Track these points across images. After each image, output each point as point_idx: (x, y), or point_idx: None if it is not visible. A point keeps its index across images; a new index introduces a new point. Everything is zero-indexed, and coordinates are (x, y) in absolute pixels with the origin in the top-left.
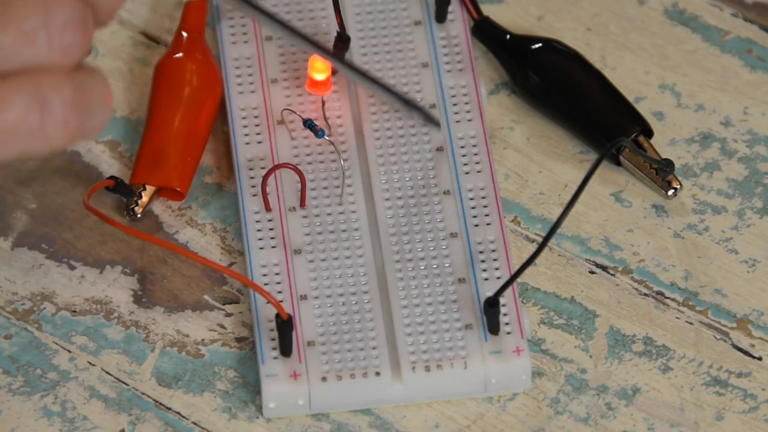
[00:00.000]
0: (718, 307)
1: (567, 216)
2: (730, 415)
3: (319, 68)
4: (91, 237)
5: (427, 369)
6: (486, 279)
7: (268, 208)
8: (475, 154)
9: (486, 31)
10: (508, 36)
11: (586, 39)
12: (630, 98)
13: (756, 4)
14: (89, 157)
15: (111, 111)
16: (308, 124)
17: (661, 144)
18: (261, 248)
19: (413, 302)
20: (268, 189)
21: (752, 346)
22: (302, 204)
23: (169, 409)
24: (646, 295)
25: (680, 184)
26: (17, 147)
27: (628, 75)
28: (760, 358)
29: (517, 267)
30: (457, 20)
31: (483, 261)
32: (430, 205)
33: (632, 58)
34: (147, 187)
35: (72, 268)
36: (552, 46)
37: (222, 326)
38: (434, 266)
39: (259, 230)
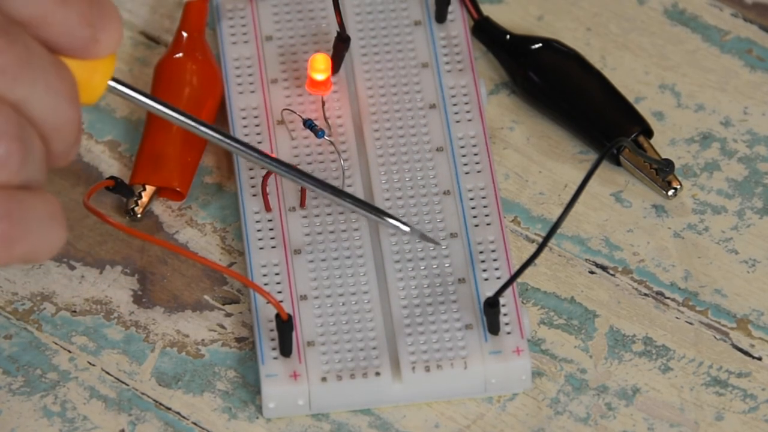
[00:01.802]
0: (718, 307)
1: (567, 216)
2: (730, 415)
3: (319, 68)
4: (91, 237)
5: (427, 369)
6: (486, 279)
7: (268, 208)
8: (475, 154)
9: (486, 31)
10: (508, 36)
11: (586, 39)
12: (630, 98)
13: (756, 4)
14: (89, 157)
15: (60, 236)
16: (308, 124)
17: (661, 144)
18: (261, 248)
19: (413, 302)
20: (268, 189)
21: (752, 346)
22: (302, 204)
23: (169, 409)
24: (646, 295)
25: (680, 184)
26: None
27: (628, 75)
28: (760, 358)
29: (517, 267)
30: (457, 20)
31: (483, 261)
32: (430, 205)
33: (632, 58)
34: (147, 187)
35: (72, 268)
36: (552, 46)
37: (222, 326)
38: (434, 266)
39: (259, 230)
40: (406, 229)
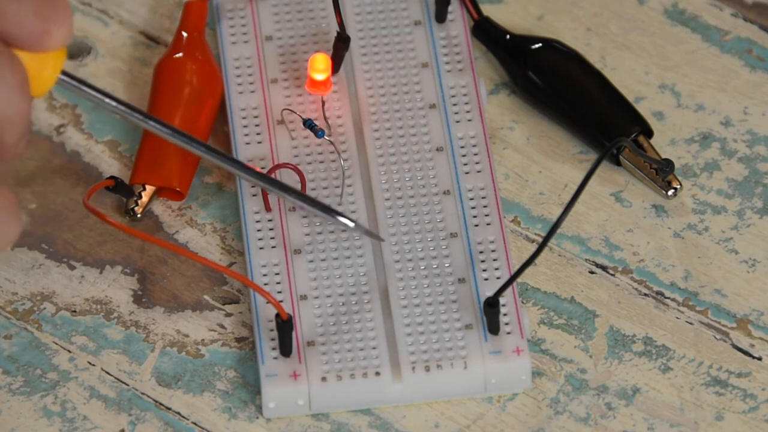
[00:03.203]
0: (718, 307)
1: (567, 216)
2: (730, 415)
3: (319, 68)
4: (91, 237)
5: (427, 369)
6: (486, 279)
7: (268, 208)
8: (475, 154)
9: (486, 31)
10: (508, 36)
11: (586, 39)
12: (630, 98)
13: (756, 4)
14: (89, 157)
15: (15, 229)
16: (308, 124)
17: (661, 144)
18: (261, 248)
19: (413, 302)
20: None
21: (752, 346)
22: None
23: (169, 409)
24: (646, 295)
25: (680, 184)
26: None
27: (628, 75)
28: (760, 358)
29: (517, 267)
30: (457, 20)
31: (483, 261)
32: (430, 205)
33: (632, 58)
34: (147, 187)
35: (72, 268)
36: (552, 46)
37: (222, 326)
38: (434, 266)
39: (259, 230)
40: (351, 224)
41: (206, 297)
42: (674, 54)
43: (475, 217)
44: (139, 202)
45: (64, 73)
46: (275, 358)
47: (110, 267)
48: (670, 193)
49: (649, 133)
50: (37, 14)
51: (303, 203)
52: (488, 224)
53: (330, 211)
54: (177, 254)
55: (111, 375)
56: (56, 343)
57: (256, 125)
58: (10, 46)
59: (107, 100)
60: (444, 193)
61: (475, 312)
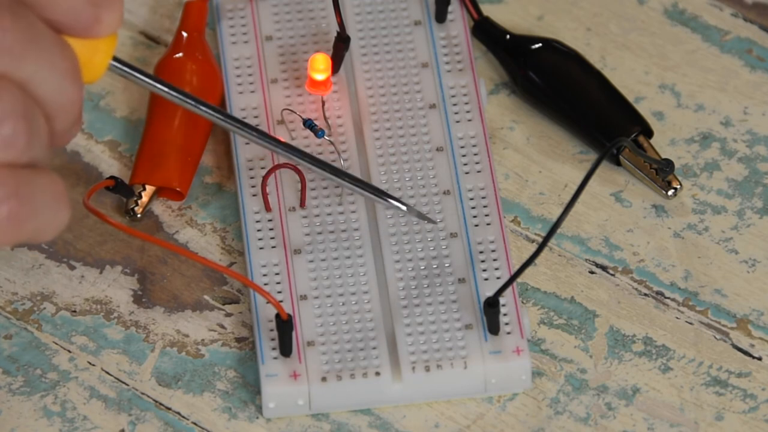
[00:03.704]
0: (718, 307)
1: (567, 216)
2: (730, 415)
3: (319, 68)
4: (91, 237)
5: (427, 369)
6: (486, 279)
7: (268, 208)
8: (475, 154)
9: (486, 31)
10: (508, 36)
11: (586, 39)
12: (630, 98)
13: (756, 4)
14: (89, 157)
15: (65, 214)
16: (308, 124)
17: (661, 144)
18: (261, 248)
19: (413, 302)
20: (268, 189)
21: (752, 346)
22: (302, 204)
23: (169, 409)
24: (646, 295)
25: (680, 184)
26: None
27: (628, 75)
28: (760, 358)
29: (517, 267)
30: (457, 20)
31: (483, 261)
32: (430, 205)
33: (632, 58)
34: (147, 187)
35: (72, 268)
36: (552, 46)
37: (222, 326)
38: (434, 266)
39: (259, 230)
40: (404, 208)
41: (206, 297)
42: (674, 54)
43: (475, 217)
44: (139, 202)
45: (115, 59)
46: (275, 358)
47: (110, 267)
48: (670, 193)
49: (649, 133)
50: (88, 1)
51: (354, 186)
52: (488, 224)
53: (382, 195)
54: (177, 254)
55: (111, 375)
56: (56, 343)
57: (256, 125)
58: (62, 33)
59: (159, 85)
60: (444, 193)
61: (475, 312)
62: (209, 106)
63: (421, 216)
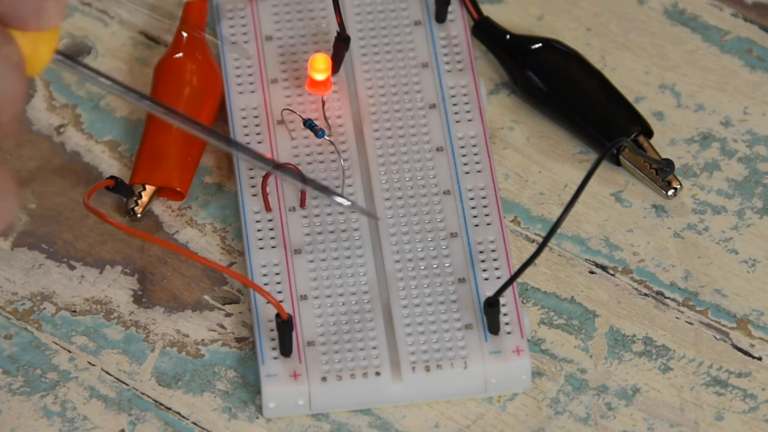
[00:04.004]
0: (718, 307)
1: (567, 216)
2: (730, 415)
3: (319, 68)
4: (91, 237)
5: (427, 369)
6: (486, 279)
7: (268, 208)
8: (475, 154)
9: (486, 31)
10: (508, 36)
11: (586, 39)
12: (630, 98)
13: (756, 4)
14: (89, 157)
15: (15, 208)
16: (308, 124)
17: (661, 144)
18: (261, 248)
19: (413, 302)
20: (268, 189)
21: (752, 346)
22: (302, 204)
23: (169, 409)
24: (646, 295)
25: (680, 184)
26: None
27: (628, 75)
28: (760, 358)
29: (517, 267)
30: (457, 20)
31: (483, 261)
32: (430, 205)
33: (632, 58)
34: (147, 187)
35: (72, 268)
36: (552, 46)
37: (222, 326)
38: (434, 266)
39: (259, 230)
40: (347, 203)
41: (206, 297)
42: (674, 54)
43: (475, 217)
44: (139, 202)
45: (58, 52)
46: (275, 358)
47: (110, 267)
48: (670, 193)
49: (649, 133)
50: None
51: (302, 183)
52: (488, 224)
53: (327, 191)
54: (177, 254)
55: (111, 375)
56: (56, 343)
57: (256, 125)
58: (5, 25)
59: (101, 79)
60: (444, 193)
61: (475, 312)
62: (150, 99)
63: (364, 212)
